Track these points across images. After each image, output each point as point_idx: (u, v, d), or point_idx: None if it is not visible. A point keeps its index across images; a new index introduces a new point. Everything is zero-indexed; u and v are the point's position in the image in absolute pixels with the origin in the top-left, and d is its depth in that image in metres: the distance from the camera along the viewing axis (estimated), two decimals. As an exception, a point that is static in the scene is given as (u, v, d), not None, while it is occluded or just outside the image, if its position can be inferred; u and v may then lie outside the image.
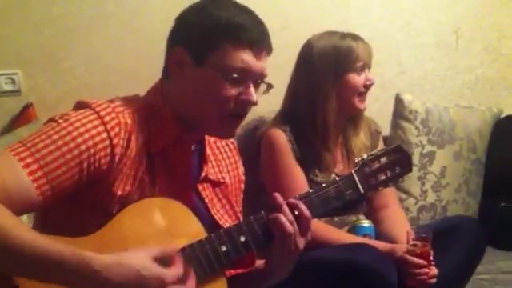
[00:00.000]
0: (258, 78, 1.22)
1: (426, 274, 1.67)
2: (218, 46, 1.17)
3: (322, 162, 1.87)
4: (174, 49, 1.21)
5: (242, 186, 1.42)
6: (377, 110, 2.47)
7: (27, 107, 2.16)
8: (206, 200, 1.29)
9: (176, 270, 1.06)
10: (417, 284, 1.67)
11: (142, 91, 1.29)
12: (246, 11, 1.23)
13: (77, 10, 2.22)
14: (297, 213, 1.22)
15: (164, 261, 1.06)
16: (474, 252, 1.84)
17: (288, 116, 1.91)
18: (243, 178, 1.42)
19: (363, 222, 1.88)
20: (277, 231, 1.20)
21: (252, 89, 1.20)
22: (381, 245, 1.75)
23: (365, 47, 1.89)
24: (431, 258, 1.69)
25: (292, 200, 1.23)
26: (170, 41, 1.24)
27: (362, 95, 1.90)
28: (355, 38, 1.89)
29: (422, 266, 1.67)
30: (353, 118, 1.96)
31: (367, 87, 1.90)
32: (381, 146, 2.05)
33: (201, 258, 1.15)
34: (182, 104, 1.22)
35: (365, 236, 1.82)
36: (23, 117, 2.15)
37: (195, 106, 1.21)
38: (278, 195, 1.23)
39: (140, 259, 1.03)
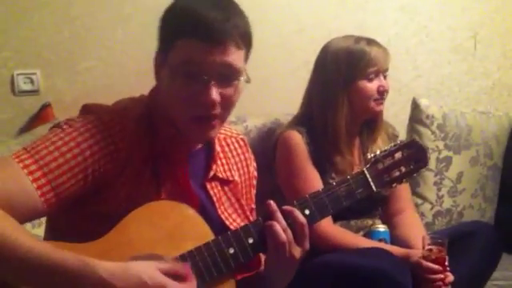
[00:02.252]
0: (216, 74, 1.13)
1: (442, 279, 1.66)
2: (172, 44, 1.14)
3: (337, 166, 1.85)
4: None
5: (254, 182, 1.39)
6: (393, 114, 2.45)
7: (45, 107, 2.17)
8: (214, 199, 1.27)
9: (185, 285, 1.04)
10: None
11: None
12: (207, 3, 1.15)
13: (95, 12, 2.23)
14: (290, 221, 1.18)
15: (176, 277, 1.05)
16: (490, 258, 1.82)
17: (304, 119, 1.90)
18: (255, 174, 1.39)
19: (379, 226, 1.87)
20: (270, 239, 1.17)
21: (211, 88, 1.12)
22: (396, 250, 1.74)
23: (379, 52, 1.85)
24: (446, 263, 1.68)
25: (286, 207, 1.20)
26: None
27: (378, 100, 1.87)
28: (370, 42, 1.86)
29: (437, 272, 1.66)
30: (369, 122, 1.94)
31: (382, 93, 1.86)
32: None
33: (208, 261, 1.14)
34: (164, 106, 1.20)
35: (380, 241, 1.81)
36: (41, 116, 2.16)
37: (169, 108, 1.18)
38: (272, 202, 1.19)
39: (145, 268, 1.02)
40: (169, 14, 1.18)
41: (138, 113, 1.18)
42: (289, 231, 1.17)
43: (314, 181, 1.81)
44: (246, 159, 1.38)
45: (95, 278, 0.98)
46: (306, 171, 1.83)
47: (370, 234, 1.86)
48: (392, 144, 1.36)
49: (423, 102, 2.36)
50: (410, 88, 2.54)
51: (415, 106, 2.37)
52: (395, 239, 1.86)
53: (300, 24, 2.38)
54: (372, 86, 1.84)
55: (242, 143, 1.38)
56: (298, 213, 1.19)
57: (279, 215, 1.18)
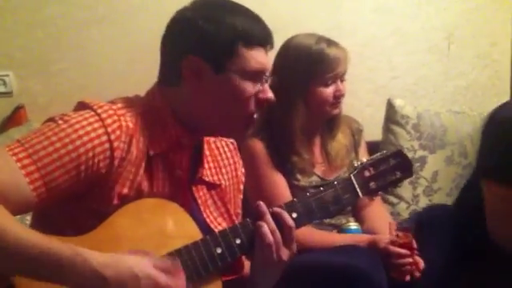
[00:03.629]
0: (266, 74, 1.24)
1: (410, 264, 1.66)
2: (236, 52, 1.18)
3: (297, 166, 1.86)
4: (187, 57, 1.18)
5: (241, 186, 1.40)
6: (369, 115, 2.47)
7: (18, 109, 2.16)
8: (199, 202, 1.28)
9: (176, 281, 1.06)
10: (401, 275, 1.66)
11: (133, 94, 1.28)
12: (248, 12, 1.24)
13: (69, 13, 2.22)
14: (280, 222, 1.20)
15: (166, 273, 1.06)
16: (450, 235, 1.79)
17: (262, 122, 1.86)
18: (243, 178, 1.41)
19: (351, 224, 1.89)
20: (258, 240, 1.18)
21: (267, 86, 1.23)
22: (362, 237, 1.76)
23: (338, 55, 1.83)
24: (414, 247, 1.67)
25: (276, 209, 1.22)
26: (179, 48, 1.21)
27: (334, 104, 1.87)
28: (330, 44, 1.84)
29: (405, 256, 1.65)
30: (328, 121, 1.94)
31: (338, 98, 1.86)
32: (363, 143, 2.05)
33: (196, 260, 1.15)
34: (193, 110, 1.21)
35: (352, 238, 1.83)
36: (14, 119, 2.15)
37: (217, 112, 1.21)
38: (262, 203, 1.21)
39: (137, 261, 1.03)
40: (218, 22, 1.18)
41: (137, 112, 1.19)
42: (277, 233, 1.19)
43: (279, 186, 1.82)
44: (234, 163, 1.39)
45: (86, 268, 0.99)
46: (270, 178, 1.83)
47: (341, 232, 1.87)
48: (378, 153, 1.39)
49: (398, 103, 2.37)
50: (386, 89, 2.56)
51: (390, 106, 2.38)
52: (364, 232, 1.87)
53: (276, 24, 2.36)
54: (328, 91, 1.84)
55: (231, 147, 1.39)
56: (286, 215, 1.21)
57: (269, 217, 1.20)
